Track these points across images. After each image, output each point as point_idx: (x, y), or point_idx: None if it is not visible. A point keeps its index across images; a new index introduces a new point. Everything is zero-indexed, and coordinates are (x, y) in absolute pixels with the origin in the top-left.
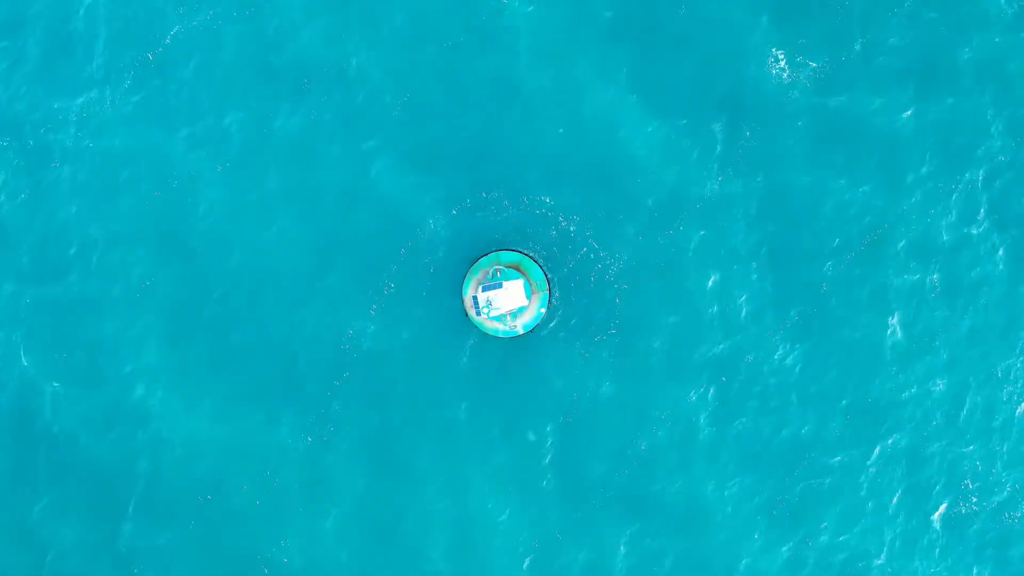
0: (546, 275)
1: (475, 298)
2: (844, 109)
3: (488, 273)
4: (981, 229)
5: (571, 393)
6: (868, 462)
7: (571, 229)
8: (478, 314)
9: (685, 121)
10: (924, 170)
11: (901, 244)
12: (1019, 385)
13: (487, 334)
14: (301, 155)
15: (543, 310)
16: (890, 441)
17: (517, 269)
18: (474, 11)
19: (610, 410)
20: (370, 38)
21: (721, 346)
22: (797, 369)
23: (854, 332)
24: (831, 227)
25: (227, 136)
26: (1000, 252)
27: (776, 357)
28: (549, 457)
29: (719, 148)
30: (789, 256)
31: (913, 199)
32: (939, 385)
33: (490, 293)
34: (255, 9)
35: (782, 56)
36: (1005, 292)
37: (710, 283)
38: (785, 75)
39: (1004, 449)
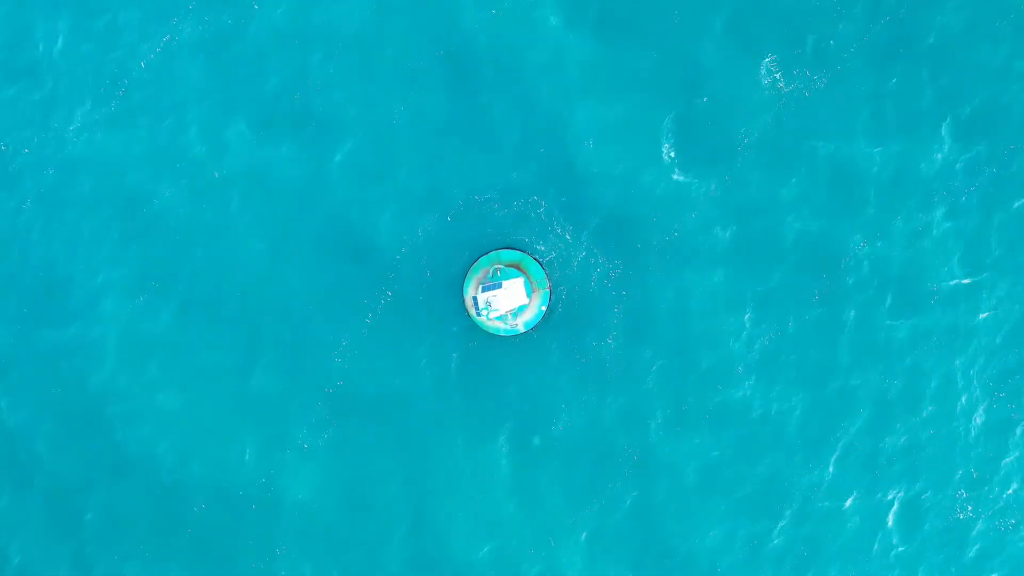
0: (546, 273)
1: (475, 298)
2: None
3: (488, 272)
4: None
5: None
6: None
7: (567, 237)
8: (478, 314)
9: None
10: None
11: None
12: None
13: (488, 332)
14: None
15: (544, 308)
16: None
17: (517, 268)
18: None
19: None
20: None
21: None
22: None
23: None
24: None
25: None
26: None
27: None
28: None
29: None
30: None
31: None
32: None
33: (489, 294)
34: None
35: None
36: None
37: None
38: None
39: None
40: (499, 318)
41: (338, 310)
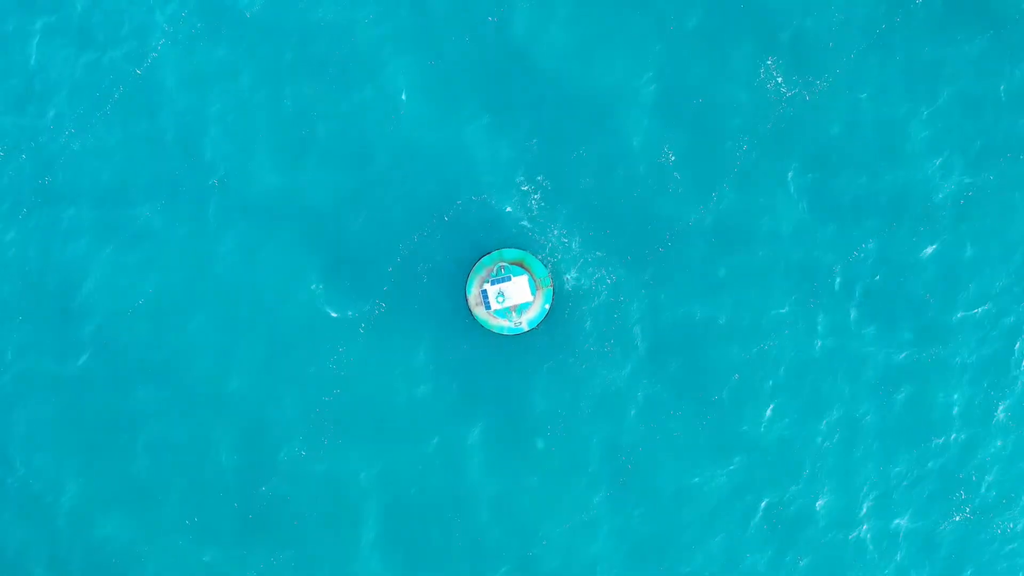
0: (549, 271)
1: (484, 292)
2: None
3: (492, 270)
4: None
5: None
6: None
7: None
8: (487, 308)
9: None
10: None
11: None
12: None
13: (493, 332)
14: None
15: (547, 306)
16: None
17: (520, 266)
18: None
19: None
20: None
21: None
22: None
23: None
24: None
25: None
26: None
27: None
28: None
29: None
30: None
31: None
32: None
33: (500, 286)
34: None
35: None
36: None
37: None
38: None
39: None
40: (504, 314)
41: (334, 316)
